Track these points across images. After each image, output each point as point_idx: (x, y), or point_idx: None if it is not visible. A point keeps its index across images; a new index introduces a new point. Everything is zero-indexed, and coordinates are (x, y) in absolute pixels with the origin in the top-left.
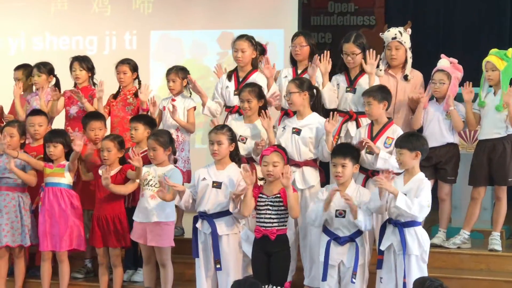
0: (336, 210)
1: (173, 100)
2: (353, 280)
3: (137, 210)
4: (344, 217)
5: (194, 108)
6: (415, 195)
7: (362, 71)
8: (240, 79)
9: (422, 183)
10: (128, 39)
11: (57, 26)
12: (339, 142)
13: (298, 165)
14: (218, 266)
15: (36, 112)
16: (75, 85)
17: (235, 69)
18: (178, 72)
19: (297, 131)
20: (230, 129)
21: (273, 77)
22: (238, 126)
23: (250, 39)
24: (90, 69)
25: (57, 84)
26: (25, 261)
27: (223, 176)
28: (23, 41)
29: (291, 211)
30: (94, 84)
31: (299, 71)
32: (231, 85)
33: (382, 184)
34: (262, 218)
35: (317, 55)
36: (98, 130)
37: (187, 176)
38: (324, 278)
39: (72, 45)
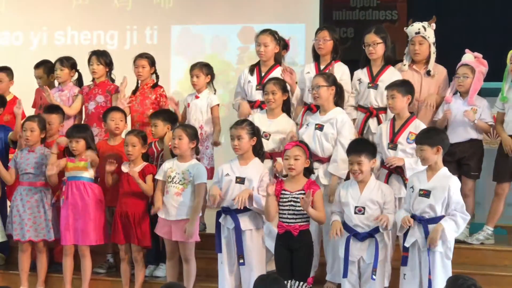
0: (355, 207)
1: (196, 97)
2: (373, 276)
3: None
4: (363, 213)
5: (218, 105)
6: (442, 193)
7: (385, 66)
8: (263, 74)
9: (450, 183)
10: (149, 33)
11: (79, 21)
12: None
13: (321, 160)
14: (241, 261)
15: (50, 109)
16: (93, 80)
17: (257, 63)
18: (202, 68)
19: (319, 127)
20: (250, 124)
21: (295, 82)
22: (261, 121)
23: (273, 33)
24: (108, 64)
25: (80, 79)
26: (48, 255)
27: (246, 171)
28: (45, 35)
29: (317, 221)
30: (112, 79)
31: (321, 66)
32: (253, 79)
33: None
34: (285, 214)
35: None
36: (119, 121)
37: (211, 173)
38: (345, 275)
39: (93, 40)
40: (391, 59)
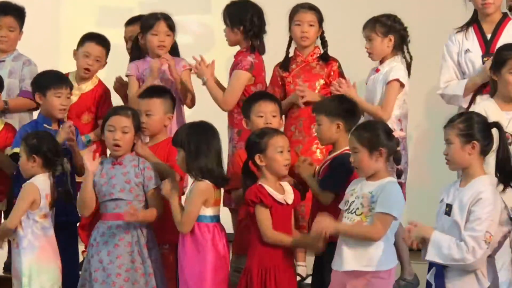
0: None
1: (377, 70)
2: None
3: (336, 252)
4: None
5: (398, 80)
6: None
7: None
8: (488, 36)
9: None
10: None
11: None
12: None
13: None
14: None
15: (152, 92)
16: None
17: (474, 20)
18: (376, 25)
19: None
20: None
21: None
22: (495, 114)
23: None
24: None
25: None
26: None
27: (462, 195)
28: None
29: None
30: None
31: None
32: (474, 47)
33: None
34: None
35: None
36: (271, 116)
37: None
38: None
39: None
40: None
